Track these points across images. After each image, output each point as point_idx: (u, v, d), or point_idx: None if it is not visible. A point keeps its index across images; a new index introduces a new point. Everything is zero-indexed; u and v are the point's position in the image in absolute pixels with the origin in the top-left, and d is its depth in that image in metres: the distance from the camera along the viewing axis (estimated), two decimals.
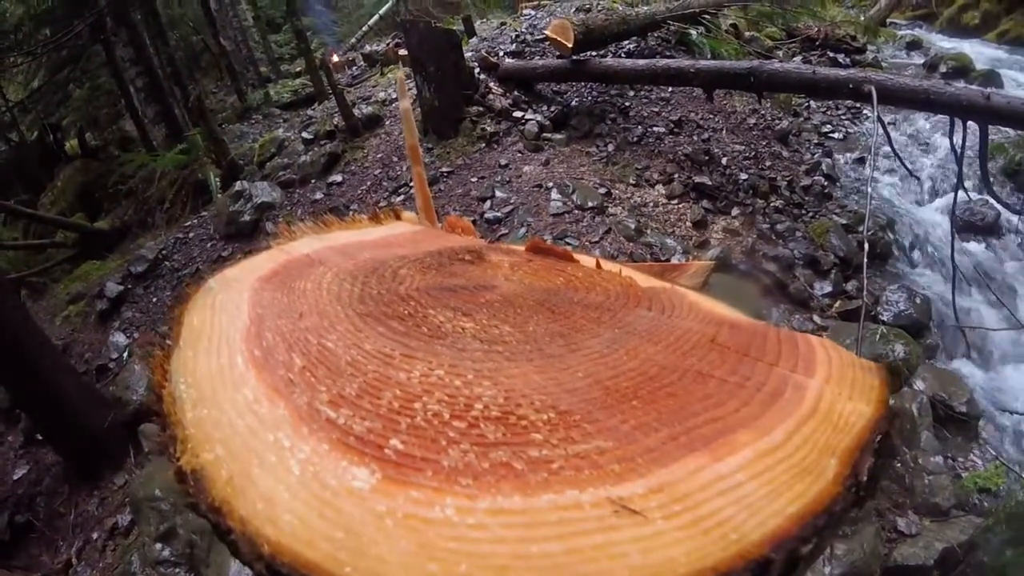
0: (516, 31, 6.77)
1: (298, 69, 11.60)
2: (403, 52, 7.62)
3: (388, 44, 9.88)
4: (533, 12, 7.84)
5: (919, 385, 3.35)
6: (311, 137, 5.95)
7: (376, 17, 12.01)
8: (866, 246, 3.06)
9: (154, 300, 4.55)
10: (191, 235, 5.03)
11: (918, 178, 5.00)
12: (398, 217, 0.87)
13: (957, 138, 3.70)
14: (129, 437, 3.52)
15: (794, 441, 0.36)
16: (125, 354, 4.16)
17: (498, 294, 0.59)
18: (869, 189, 3.09)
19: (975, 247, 4.50)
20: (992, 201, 4.18)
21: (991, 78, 6.87)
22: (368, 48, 10.58)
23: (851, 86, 3.92)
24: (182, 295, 0.54)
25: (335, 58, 9.92)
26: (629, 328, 0.49)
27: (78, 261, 5.74)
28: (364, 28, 12.03)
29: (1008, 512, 2.74)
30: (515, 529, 0.27)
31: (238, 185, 5.03)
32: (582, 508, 0.28)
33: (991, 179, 4.19)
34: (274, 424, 0.34)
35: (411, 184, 4.86)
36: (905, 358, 3.36)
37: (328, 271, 0.57)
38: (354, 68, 10.16)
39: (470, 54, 5.88)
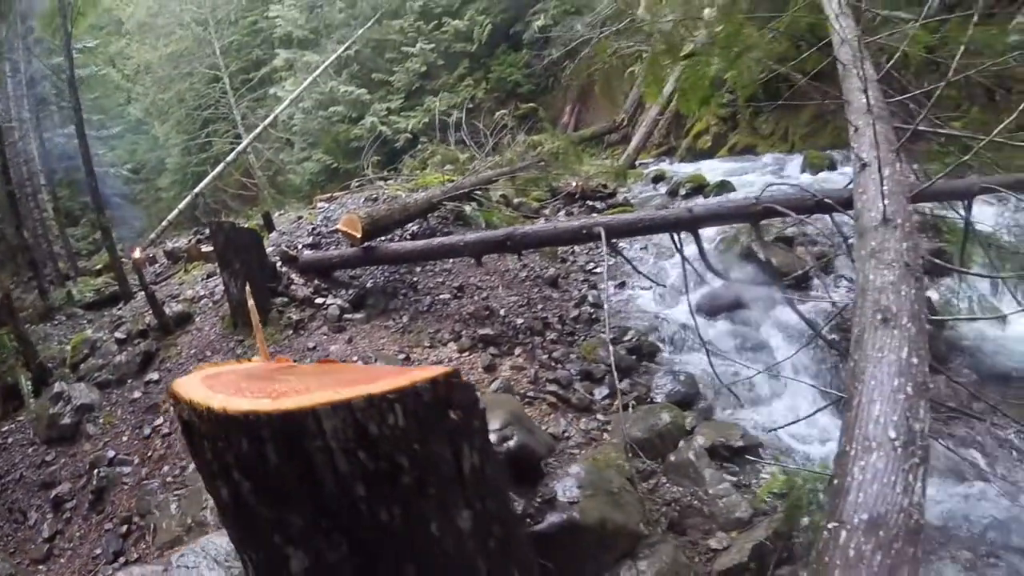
0: (312, 224, 7.57)
1: (98, 266, 11.47)
2: (206, 249, 8.16)
3: (190, 240, 10.40)
4: (326, 204, 8.72)
5: (699, 440, 4.11)
6: (124, 337, 6.20)
7: (176, 212, 12.57)
8: (611, 348, 4.17)
9: None
10: (9, 440, 5.00)
11: (664, 286, 6.42)
12: (251, 360, 1.69)
13: (684, 246, 5.05)
14: None
15: (402, 380, 1.25)
16: None
17: (304, 371, 1.46)
18: (606, 306, 4.37)
19: (724, 324, 5.66)
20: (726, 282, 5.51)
21: (724, 186, 8.26)
22: (170, 244, 10.99)
23: (585, 231, 5.13)
24: (168, 388, 1.31)
25: (137, 253, 10.12)
26: (356, 372, 1.38)
27: None
28: (164, 223, 12.49)
29: (791, 503, 3.43)
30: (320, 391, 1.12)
31: (57, 387, 5.18)
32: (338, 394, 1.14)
33: (727, 266, 5.64)
34: (231, 397, 1.15)
35: None
36: (671, 421, 4.33)
37: (232, 372, 1.39)
38: (156, 264, 10.41)
39: (271, 248, 6.53)
